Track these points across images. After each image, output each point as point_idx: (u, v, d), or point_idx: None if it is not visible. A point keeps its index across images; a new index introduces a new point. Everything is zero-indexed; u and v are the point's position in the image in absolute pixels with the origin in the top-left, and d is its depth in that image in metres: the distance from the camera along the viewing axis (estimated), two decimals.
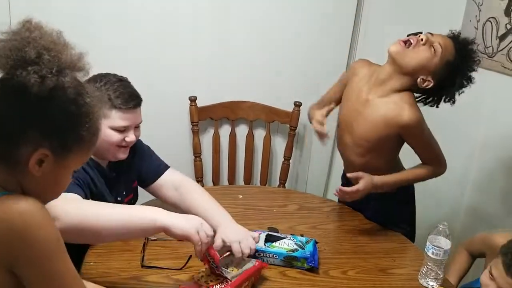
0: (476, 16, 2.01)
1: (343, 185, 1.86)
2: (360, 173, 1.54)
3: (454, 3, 2.09)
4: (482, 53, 1.97)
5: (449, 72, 1.50)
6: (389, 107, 1.52)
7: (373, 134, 1.56)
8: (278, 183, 2.36)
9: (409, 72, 1.51)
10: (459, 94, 1.55)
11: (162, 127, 2.21)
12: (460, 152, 2.04)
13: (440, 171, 1.61)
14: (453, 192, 2.11)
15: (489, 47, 1.96)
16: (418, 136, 1.55)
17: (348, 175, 1.59)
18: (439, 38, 1.50)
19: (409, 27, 2.30)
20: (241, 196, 1.82)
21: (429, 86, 1.52)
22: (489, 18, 1.95)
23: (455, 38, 1.53)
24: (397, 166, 1.70)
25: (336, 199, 1.81)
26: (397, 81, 1.53)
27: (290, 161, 2.35)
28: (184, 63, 2.15)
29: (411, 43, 1.48)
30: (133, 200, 1.59)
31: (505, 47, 1.89)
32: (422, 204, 1.84)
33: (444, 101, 1.56)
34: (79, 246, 1.43)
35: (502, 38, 1.91)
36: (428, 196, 1.99)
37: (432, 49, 1.48)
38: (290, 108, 2.26)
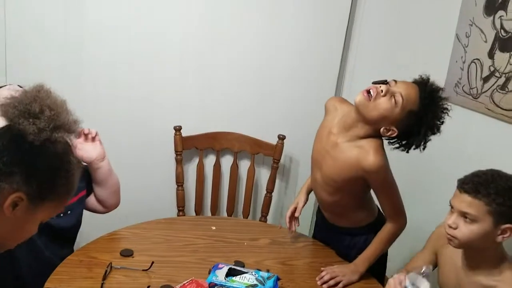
0: (462, 57, 2.01)
1: (317, 221, 1.86)
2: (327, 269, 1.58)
3: (441, 43, 2.11)
4: (467, 94, 1.97)
5: (413, 122, 1.48)
6: (354, 151, 1.52)
7: (339, 176, 1.56)
8: (260, 215, 2.35)
9: (371, 122, 1.50)
10: (425, 143, 1.52)
11: (146, 155, 2.25)
12: (443, 193, 2.01)
13: (401, 224, 1.59)
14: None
15: (473, 88, 1.96)
16: (380, 182, 1.53)
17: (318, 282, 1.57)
18: (402, 87, 1.47)
19: (396, 65, 2.36)
20: (214, 228, 1.81)
21: (393, 135, 1.51)
22: (474, 59, 1.95)
23: (421, 85, 1.50)
24: (368, 205, 1.69)
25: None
26: (361, 128, 1.52)
27: (274, 194, 2.34)
28: (170, 92, 2.20)
29: (370, 96, 1.46)
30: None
31: (488, 89, 1.88)
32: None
33: (413, 149, 1.54)
34: (41, 270, 1.45)
35: (486, 79, 1.90)
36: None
37: (393, 100, 1.45)
38: (274, 140, 2.27)
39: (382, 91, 1.45)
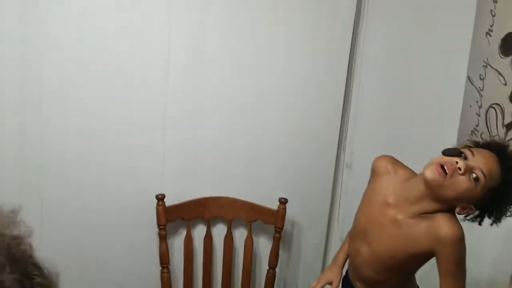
0: (477, 101, 1.83)
1: None
2: None
3: (452, 86, 1.94)
4: None
5: (494, 199, 1.30)
6: (423, 224, 1.32)
7: (401, 254, 1.35)
8: None
9: (446, 201, 1.30)
10: (506, 217, 1.33)
11: (122, 232, 1.92)
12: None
13: None
14: None
15: (495, 136, 1.76)
16: (453, 259, 1.30)
17: None
18: (481, 161, 1.26)
19: (406, 113, 2.19)
20: None
21: (469, 213, 1.34)
22: (492, 104, 1.77)
23: (501, 154, 1.30)
24: (413, 283, 1.51)
25: None
26: (431, 205, 1.31)
27: (277, 269, 2.02)
28: (149, 155, 1.90)
29: (446, 172, 1.25)
30: None
31: None
32: None
33: (490, 224, 1.35)
34: None
35: (509, 126, 1.71)
36: None
37: (473, 177, 1.25)
38: (274, 205, 1.97)
39: (460, 169, 1.24)
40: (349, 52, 2.08)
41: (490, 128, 1.78)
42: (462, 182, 1.24)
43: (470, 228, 1.36)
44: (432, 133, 2.04)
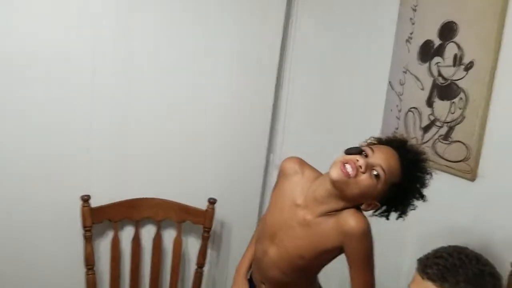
0: (397, 105, 1.91)
1: None
2: None
3: (374, 91, 2.01)
4: None
5: (396, 193, 1.33)
6: (331, 221, 1.34)
7: (311, 252, 1.36)
8: None
9: (352, 199, 1.32)
10: (410, 210, 1.38)
11: (45, 234, 1.84)
12: (390, 249, 1.85)
13: None
14: None
15: (413, 138, 1.85)
16: (360, 251, 1.33)
17: None
18: (380, 158, 1.29)
19: (332, 116, 2.24)
20: None
21: (375, 209, 1.37)
22: (411, 108, 1.86)
23: (401, 150, 1.34)
24: (316, 282, 1.54)
25: None
26: (339, 203, 1.33)
27: (205, 268, 2.02)
28: (74, 153, 1.83)
29: (349, 173, 1.28)
30: None
31: (430, 139, 1.78)
32: None
33: (396, 218, 1.39)
34: None
35: (426, 129, 1.80)
36: None
37: (374, 174, 1.28)
38: (204, 205, 1.97)
39: (361, 167, 1.27)
40: (278, 55, 2.11)
41: (409, 131, 1.87)
42: (364, 180, 1.27)
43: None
44: (356, 136, 2.11)
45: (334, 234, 1.32)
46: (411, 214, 1.81)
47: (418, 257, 1.14)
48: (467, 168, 1.61)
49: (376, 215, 1.41)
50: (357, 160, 1.28)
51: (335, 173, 1.27)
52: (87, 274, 1.85)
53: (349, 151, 1.31)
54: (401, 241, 1.83)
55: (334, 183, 1.29)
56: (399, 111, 1.91)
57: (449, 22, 1.67)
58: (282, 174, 1.48)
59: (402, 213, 1.37)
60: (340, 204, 1.33)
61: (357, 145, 1.35)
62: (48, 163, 1.80)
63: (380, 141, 1.40)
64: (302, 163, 1.47)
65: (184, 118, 1.99)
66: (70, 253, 1.88)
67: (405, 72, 1.88)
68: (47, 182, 1.81)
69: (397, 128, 1.91)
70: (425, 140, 1.80)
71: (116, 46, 1.81)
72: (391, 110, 1.94)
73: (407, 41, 1.85)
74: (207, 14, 1.92)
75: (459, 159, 1.64)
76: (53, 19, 1.70)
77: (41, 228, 1.84)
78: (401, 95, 1.90)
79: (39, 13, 1.68)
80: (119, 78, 1.85)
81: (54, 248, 1.86)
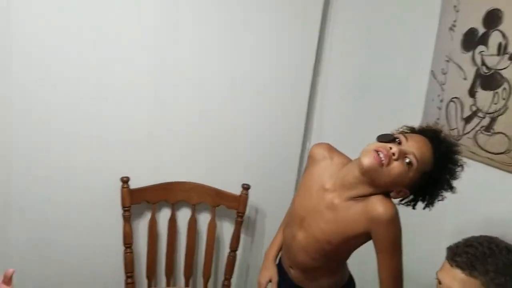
0: (439, 95, 1.86)
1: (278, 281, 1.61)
2: None
3: (416, 80, 1.96)
4: None
5: (427, 182, 1.32)
6: (359, 206, 1.34)
7: (338, 237, 1.36)
8: (223, 278, 2.05)
9: (382, 186, 1.32)
10: (438, 201, 1.37)
11: (87, 212, 1.93)
12: (427, 239, 1.82)
13: None
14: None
15: (454, 129, 1.80)
16: (388, 238, 1.32)
17: None
18: (414, 146, 1.28)
19: (369, 105, 2.21)
20: None
21: (405, 197, 1.36)
22: (453, 98, 1.80)
23: (435, 140, 1.33)
24: (344, 267, 1.55)
25: None
26: (367, 189, 1.33)
27: (239, 251, 2.05)
28: (115, 137, 1.89)
29: (382, 160, 1.27)
30: None
31: (471, 130, 1.72)
32: None
33: (423, 208, 1.38)
34: None
35: (467, 120, 1.75)
36: None
37: (406, 162, 1.27)
38: (238, 191, 2.00)
39: (394, 154, 1.26)
40: (316, 42, 2.09)
41: (450, 121, 1.82)
42: (396, 167, 1.26)
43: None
44: (395, 126, 2.07)
45: (362, 219, 1.32)
46: (448, 204, 1.77)
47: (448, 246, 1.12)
48: (508, 161, 1.55)
49: (402, 204, 1.39)
50: (390, 148, 1.26)
51: (367, 161, 1.26)
52: (125, 252, 1.93)
53: (381, 138, 1.31)
54: (437, 232, 1.80)
55: (365, 170, 1.28)
56: (441, 101, 1.85)
57: (493, 9, 1.61)
58: (311, 160, 1.48)
59: (430, 203, 1.36)
60: (369, 190, 1.32)
61: (389, 133, 1.33)
62: (92, 146, 1.87)
63: (413, 130, 1.38)
64: (331, 149, 1.48)
65: (222, 106, 2.01)
66: (110, 232, 1.95)
67: (447, 61, 1.82)
68: (91, 164, 1.89)
69: (438, 119, 1.86)
70: (466, 131, 1.75)
71: (165, 41, 1.87)
72: (433, 100, 1.89)
73: (451, 29, 1.80)
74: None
75: (501, 151, 1.58)
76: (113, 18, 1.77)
77: (84, 207, 1.92)
78: (443, 84, 1.85)
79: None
80: (163, 68, 1.90)
81: (95, 227, 1.94)
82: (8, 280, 1.21)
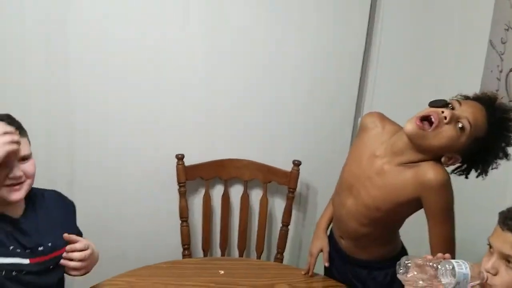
0: (498, 66, 1.77)
1: (333, 251, 1.62)
2: None
3: (473, 52, 1.88)
4: None
5: (480, 149, 1.29)
6: (409, 172, 1.33)
7: (387, 203, 1.36)
8: (276, 252, 2.10)
9: (431, 151, 1.30)
10: (492, 169, 1.33)
11: (145, 188, 2.03)
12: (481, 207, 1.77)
13: None
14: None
15: None
16: (440, 204, 1.31)
17: None
18: (468, 111, 1.26)
19: (423, 78, 2.14)
20: (222, 272, 1.58)
21: (455, 163, 1.34)
22: None
23: (489, 106, 1.29)
24: (396, 237, 1.53)
25: None
26: (416, 155, 1.32)
27: (291, 227, 2.09)
28: (171, 117, 1.98)
29: (432, 122, 1.25)
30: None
31: None
32: None
33: (476, 176, 1.35)
34: None
35: None
36: None
37: (459, 127, 1.25)
38: (289, 167, 2.03)
39: (445, 117, 1.24)
40: (369, 11, 2.03)
41: (510, 93, 1.73)
42: (447, 131, 1.24)
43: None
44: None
45: (412, 185, 1.31)
46: (501, 180, 1.71)
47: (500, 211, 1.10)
48: None
49: (455, 173, 1.37)
50: (442, 112, 1.24)
51: (409, 127, 1.27)
52: (181, 225, 2.02)
53: (434, 103, 1.29)
54: (493, 200, 1.74)
55: (409, 137, 1.28)
56: (500, 71, 1.77)
57: None
58: (362, 128, 1.49)
59: (483, 171, 1.32)
60: (419, 156, 1.31)
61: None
62: (150, 125, 1.97)
63: (467, 98, 1.35)
64: (382, 117, 1.47)
65: (273, 82, 2.02)
66: (167, 206, 2.05)
67: (507, 30, 1.73)
68: (148, 142, 1.98)
69: (497, 90, 1.78)
70: None
71: (222, 28, 1.93)
72: (491, 71, 1.81)
73: None
74: None
75: None
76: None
77: (142, 183, 2.03)
78: (502, 54, 1.76)
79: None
80: (219, 50, 1.95)
81: (153, 201, 2.05)
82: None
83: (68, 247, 1.31)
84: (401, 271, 1.07)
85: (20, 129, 1.27)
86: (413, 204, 1.35)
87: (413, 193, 1.31)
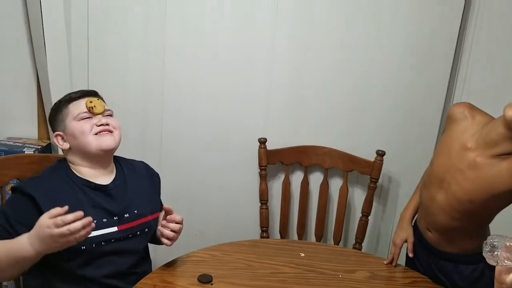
0: None
1: (418, 243, 1.58)
2: None
3: None
4: None
5: None
6: (504, 164, 1.27)
7: (481, 195, 1.32)
8: (354, 242, 2.08)
9: None
10: None
11: (227, 169, 2.10)
12: None
13: None
14: None
15: None
16: None
17: None
18: None
19: None
20: (303, 255, 1.59)
21: None
22: None
23: None
24: (487, 231, 1.46)
25: None
26: None
27: (370, 217, 2.06)
28: (256, 101, 2.03)
29: None
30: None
31: None
32: None
33: None
34: None
35: None
36: None
37: None
38: (371, 157, 1.99)
39: None
40: (462, 12, 1.94)
41: None
42: None
43: None
44: None
45: (508, 176, 1.25)
46: None
47: None
48: None
49: None
50: None
51: (511, 112, 1.20)
52: (261, 208, 2.06)
53: None
54: None
55: (509, 123, 1.21)
56: None
57: None
58: (450, 120, 1.44)
59: None
60: None
61: None
62: (235, 110, 2.03)
63: None
64: (472, 107, 1.42)
65: (359, 71, 2.00)
66: (248, 189, 2.09)
67: None
68: (233, 126, 2.04)
69: None
70: None
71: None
72: None
73: None
74: None
75: None
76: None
77: (225, 166, 2.09)
78: None
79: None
80: (304, 39, 1.96)
81: (235, 183, 2.11)
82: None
83: (169, 217, 1.39)
84: (487, 249, 1.03)
85: (91, 91, 1.44)
86: (508, 196, 1.30)
87: (509, 185, 1.26)
